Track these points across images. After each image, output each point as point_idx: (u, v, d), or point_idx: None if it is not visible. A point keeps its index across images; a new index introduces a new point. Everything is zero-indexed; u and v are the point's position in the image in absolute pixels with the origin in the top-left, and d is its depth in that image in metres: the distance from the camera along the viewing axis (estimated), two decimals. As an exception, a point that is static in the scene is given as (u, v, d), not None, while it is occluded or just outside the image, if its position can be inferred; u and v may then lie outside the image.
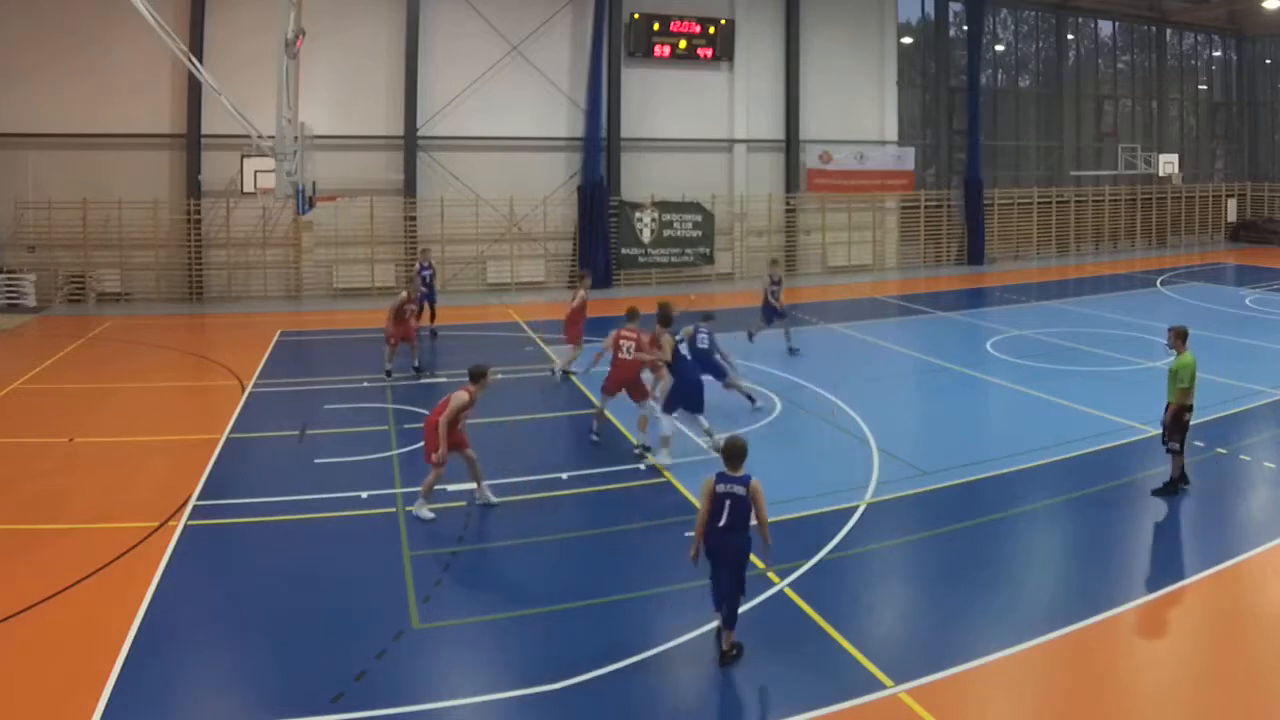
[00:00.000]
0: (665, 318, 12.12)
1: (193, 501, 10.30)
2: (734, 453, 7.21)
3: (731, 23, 29.62)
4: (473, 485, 10.38)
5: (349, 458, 11.92)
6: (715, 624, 7.30)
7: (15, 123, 23.63)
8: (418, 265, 20.73)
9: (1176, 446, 10.24)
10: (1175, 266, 32.14)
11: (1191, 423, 10.42)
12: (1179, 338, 10.34)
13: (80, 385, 16.03)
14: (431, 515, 9.93)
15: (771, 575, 8.42)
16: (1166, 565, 9.04)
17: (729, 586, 7.10)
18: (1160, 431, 10.49)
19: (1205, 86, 42.08)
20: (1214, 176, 42.28)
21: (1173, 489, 10.31)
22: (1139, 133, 38.49)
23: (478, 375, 10.16)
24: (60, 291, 24.57)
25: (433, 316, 20.12)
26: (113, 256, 24.84)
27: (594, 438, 12.38)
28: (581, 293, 16.55)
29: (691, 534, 7.39)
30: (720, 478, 7.13)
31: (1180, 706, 6.71)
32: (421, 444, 10.34)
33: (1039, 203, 35.92)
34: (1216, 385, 14.35)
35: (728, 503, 7.06)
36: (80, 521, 9.85)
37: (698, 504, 7.53)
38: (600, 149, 28.09)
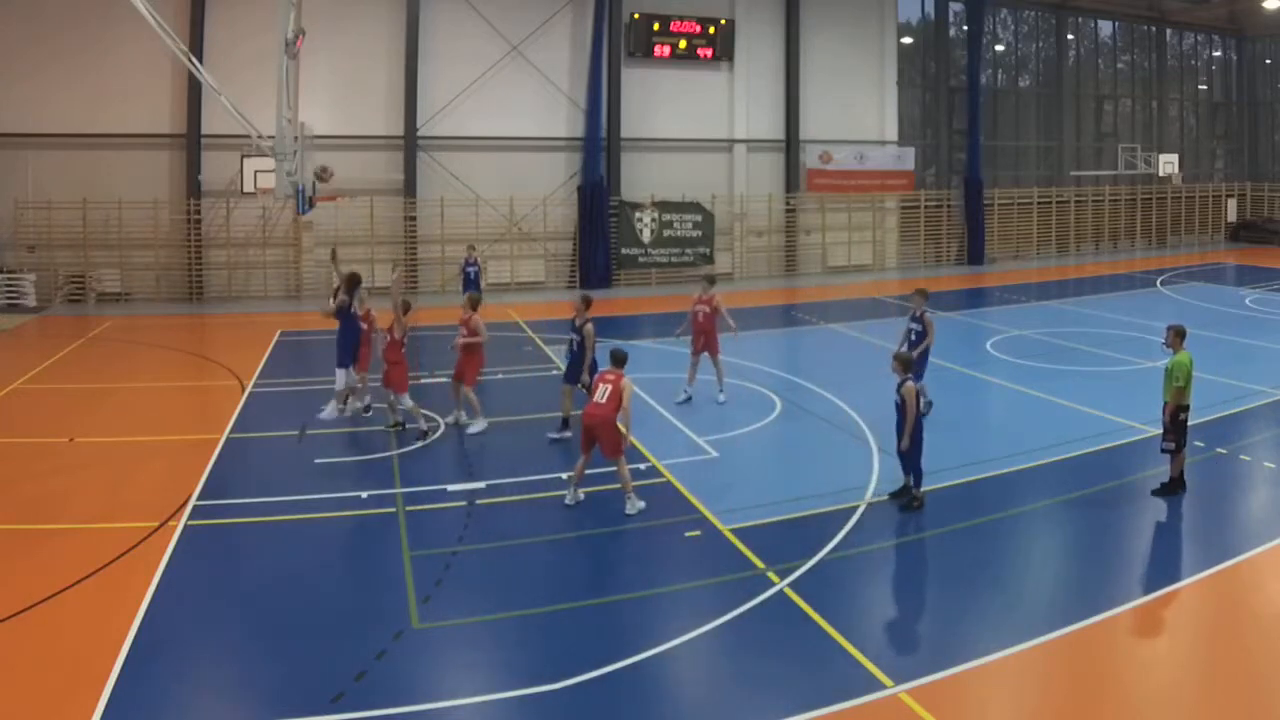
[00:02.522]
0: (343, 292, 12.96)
1: (193, 501, 10.30)
2: (910, 363, 10.33)
3: (731, 23, 29.62)
4: (473, 485, 10.38)
5: (349, 458, 11.92)
6: (899, 488, 10.26)
7: (15, 123, 23.63)
8: (463, 261, 21.18)
9: (1171, 446, 10.20)
10: (1175, 266, 32.14)
11: (1190, 423, 10.39)
12: (1177, 336, 10.33)
13: (80, 385, 16.03)
14: (644, 504, 10.02)
15: (772, 575, 8.43)
16: (1166, 565, 9.03)
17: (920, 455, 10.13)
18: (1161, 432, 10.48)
19: (1205, 86, 42.09)
20: (1214, 176, 42.29)
21: (1172, 489, 10.28)
22: (1139, 133, 38.51)
23: (623, 359, 10.35)
24: (60, 291, 24.57)
25: None
26: (113, 256, 24.84)
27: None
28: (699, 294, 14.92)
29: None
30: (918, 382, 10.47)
31: (1180, 706, 6.71)
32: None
33: (1039, 203, 35.93)
34: (1216, 385, 14.35)
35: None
36: (80, 521, 9.84)
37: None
38: (600, 149, 28.09)
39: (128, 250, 24.88)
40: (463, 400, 13.07)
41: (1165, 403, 10.23)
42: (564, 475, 10.97)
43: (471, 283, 20.65)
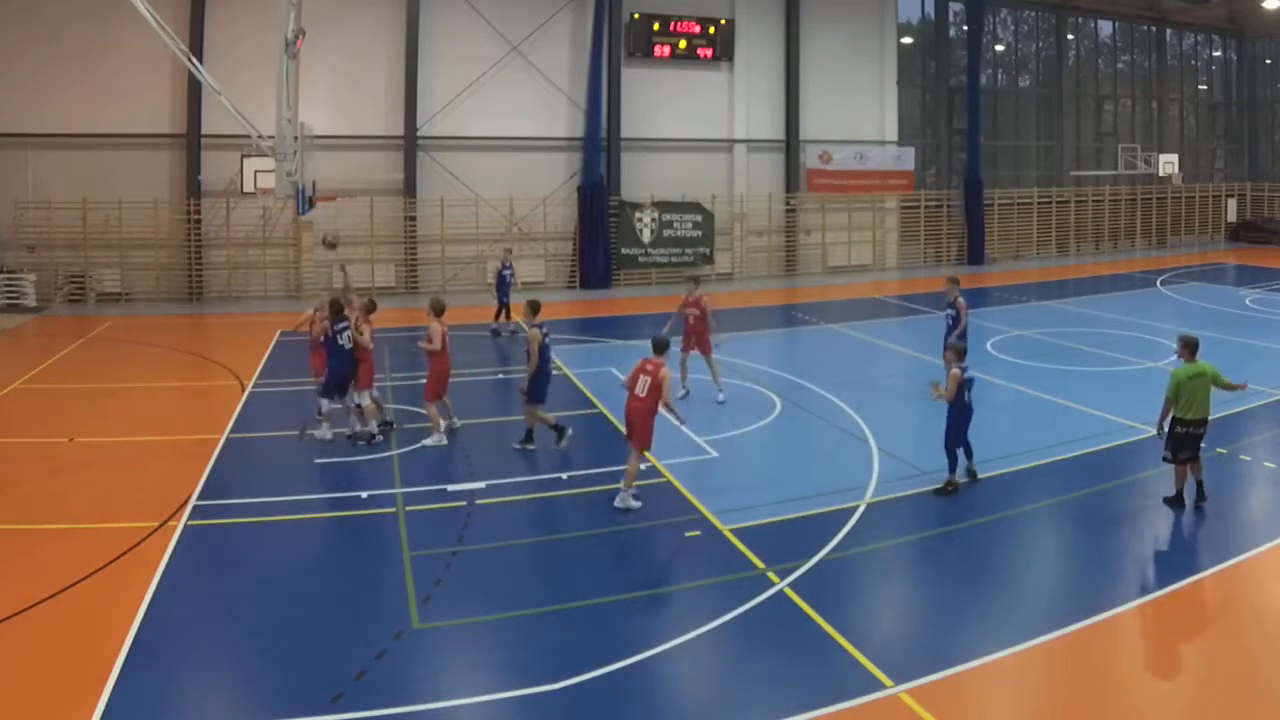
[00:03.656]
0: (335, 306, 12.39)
1: (193, 501, 10.30)
2: (963, 353, 10.70)
3: (731, 23, 29.63)
4: (473, 485, 10.37)
5: (349, 458, 11.93)
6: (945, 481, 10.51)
7: (15, 123, 23.63)
8: (499, 265, 21.14)
9: (1167, 456, 10.04)
10: (1175, 266, 32.14)
11: (1188, 434, 9.92)
12: (1185, 348, 10.05)
13: (80, 385, 16.03)
14: (639, 504, 10.01)
15: (771, 575, 8.43)
16: (1166, 565, 9.03)
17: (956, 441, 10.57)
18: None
19: (1205, 86, 42.09)
20: (1214, 176, 42.29)
21: (1176, 501, 10.03)
22: (1139, 133, 38.51)
23: (664, 346, 10.40)
24: (60, 291, 24.57)
25: (507, 315, 20.68)
26: (113, 256, 24.84)
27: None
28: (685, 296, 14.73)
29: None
30: (963, 369, 10.38)
31: (1180, 707, 6.71)
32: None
33: (1039, 203, 35.93)
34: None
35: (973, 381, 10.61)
36: (80, 521, 9.84)
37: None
38: (600, 149, 28.09)
39: (128, 250, 24.88)
40: (431, 410, 12.55)
41: None
42: (564, 475, 11.01)
43: (506, 285, 20.58)
